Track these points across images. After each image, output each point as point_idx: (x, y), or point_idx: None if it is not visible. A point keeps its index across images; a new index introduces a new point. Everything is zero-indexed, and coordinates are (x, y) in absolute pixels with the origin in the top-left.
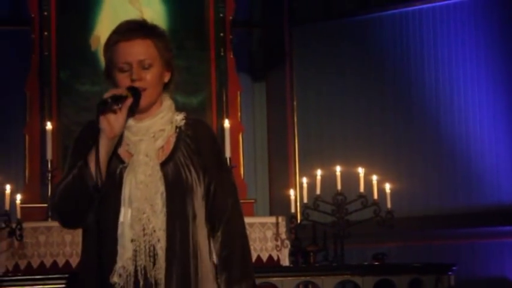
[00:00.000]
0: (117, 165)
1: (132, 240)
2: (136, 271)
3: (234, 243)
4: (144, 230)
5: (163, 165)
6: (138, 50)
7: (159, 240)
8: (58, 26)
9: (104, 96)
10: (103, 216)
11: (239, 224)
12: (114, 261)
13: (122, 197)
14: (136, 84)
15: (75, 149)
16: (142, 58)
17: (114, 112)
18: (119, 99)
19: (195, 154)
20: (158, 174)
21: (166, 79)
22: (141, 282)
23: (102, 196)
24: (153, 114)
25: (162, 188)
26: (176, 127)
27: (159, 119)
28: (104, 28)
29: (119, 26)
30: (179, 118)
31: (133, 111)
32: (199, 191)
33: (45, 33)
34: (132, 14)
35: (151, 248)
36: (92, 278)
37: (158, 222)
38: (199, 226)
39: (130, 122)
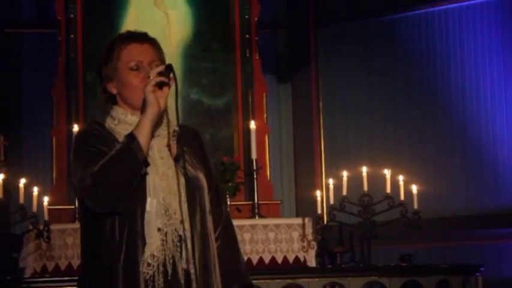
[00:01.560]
0: None
1: (158, 230)
2: (164, 260)
3: (230, 248)
4: (169, 219)
5: (175, 161)
6: (150, 52)
7: (185, 230)
8: (84, 29)
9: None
10: (127, 208)
11: (233, 230)
12: (142, 252)
13: (147, 187)
14: None
15: (90, 142)
16: (153, 60)
17: (164, 85)
18: (166, 73)
19: (196, 156)
20: (175, 167)
21: None
22: (170, 272)
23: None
24: None
25: (183, 180)
26: (174, 131)
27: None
28: None
29: (126, 32)
30: (174, 124)
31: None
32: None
33: (72, 35)
34: (157, 16)
35: (178, 239)
36: (117, 270)
37: (182, 212)
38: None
39: (134, 118)
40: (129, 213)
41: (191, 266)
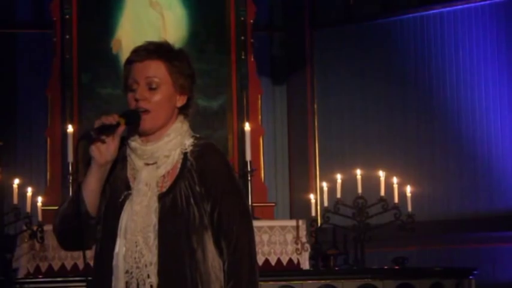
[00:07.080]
0: (122, 191)
1: (126, 272)
2: None
3: (239, 274)
4: (136, 263)
5: (163, 196)
6: (147, 70)
7: (148, 276)
8: (79, 30)
9: (94, 125)
10: (104, 245)
11: (245, 252)
12: None
13: (119, 227)
14: (140, 104)
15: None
16: (150, 78)
17: (103, 142)
18: (109, 129)
19: (199, 182)
20: (154, 205)
21: (179, 104)
22: None
23: (104, 224)
24: (159, 138)
25: (155, 220)
26: (182, 153)
27: (164, 144)
28: (125, 31)
29: (138, 46)
30: (188, 143)
31: (135, 132)
32: (201, 223)
33: (67, 36)
34: (153, 18)
35: (143, 283)
36: None
37: (150, 256)
38: (201, 260)
39: (136, 144)
40: (104, 253)
41: None
